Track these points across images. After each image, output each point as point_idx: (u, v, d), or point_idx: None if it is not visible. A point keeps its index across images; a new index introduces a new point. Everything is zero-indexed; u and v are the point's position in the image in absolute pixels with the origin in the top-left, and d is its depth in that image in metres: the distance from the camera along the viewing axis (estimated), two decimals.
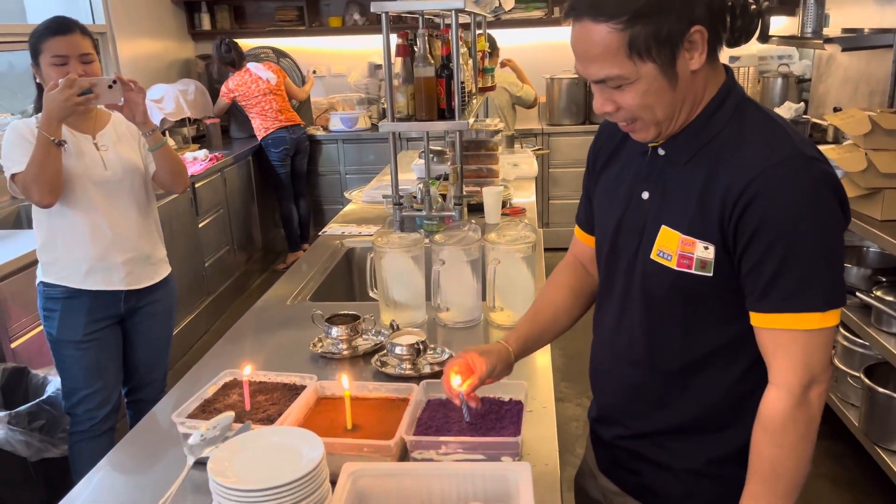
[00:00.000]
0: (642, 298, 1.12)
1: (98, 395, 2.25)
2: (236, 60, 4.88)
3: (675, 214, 1.05)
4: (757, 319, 1.02)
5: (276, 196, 5.20)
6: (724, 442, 1.12)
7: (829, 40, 3.57)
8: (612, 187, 1.18)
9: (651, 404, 1.16)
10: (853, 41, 3.49)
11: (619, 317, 1.17)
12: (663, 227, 1.06)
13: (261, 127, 4.96)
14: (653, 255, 1.08)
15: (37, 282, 2.23)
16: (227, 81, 4.91)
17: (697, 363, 1.10)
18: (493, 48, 4.73)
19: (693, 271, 1.04)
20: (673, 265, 1.05)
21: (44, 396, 2.29)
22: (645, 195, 1.11)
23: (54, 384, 2.35)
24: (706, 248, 1.02)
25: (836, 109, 3.62)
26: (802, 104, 3.74)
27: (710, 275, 1.03)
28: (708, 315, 1.07)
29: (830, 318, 0.99)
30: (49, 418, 2.25)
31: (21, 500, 2.26)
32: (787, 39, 4.10)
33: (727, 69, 1.09)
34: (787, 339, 0.99)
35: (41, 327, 2.28)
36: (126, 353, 2.36)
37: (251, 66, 4.91)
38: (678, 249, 1.04)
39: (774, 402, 1.01)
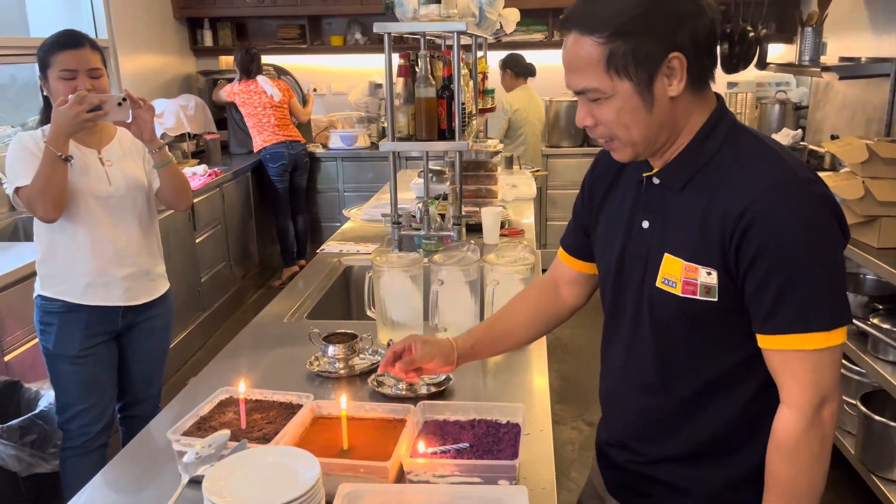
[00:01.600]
0: (651, 325, 1.13)
1: (92, 411, 2.23)
2: (252, 71, 4.93)
3: (677, 242, 1.07)
4: (764, 341, 1.03)
5: (272, 210, 5.20)
6: (739, 463, 1.12)
7: (826, 68, 3.60)
8: (613, 218, 1.19)
9: (665, 429, 1.16)
10: (850, 70, 3.53)
11: (630, 344, 1.18)
12: (666, 254, 1.08)
13: (258, 140, 4.99)
14: (658, 283, 1.09)
15: (34, 295, 2.22)
16: (233, 84, 4.98)
17: (709, 386, 1.10)
18: (531, 70, 4.80)
19: (698, 297, 1.05)
20: (678, 292, 1.06)
21: (36, 411, 2.27)
22: (645, 224, 1.12)
23: (47, 398, 2.33)
24: (709, 273, 1.03)
25: (833, 137, 3.65)
26: (800, 131, 3.76)
27: (716, 300, 1.04)
28: (717, 338, 1.08)
29: (836, 337, 1.00)
30: (41, 433, 2.22)
31: None
32: (784, 67, 4.14)
33: (719, 98, 1.11)
34: (795, 360, 1.00)
35: (35, 341, 2.27)
36: (122, 369, 2.34)
37: (259, 78, 4.95)
38: (682, 276, 1.06)
39: (787, 423, 1.02)
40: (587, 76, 1.02)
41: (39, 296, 2.20)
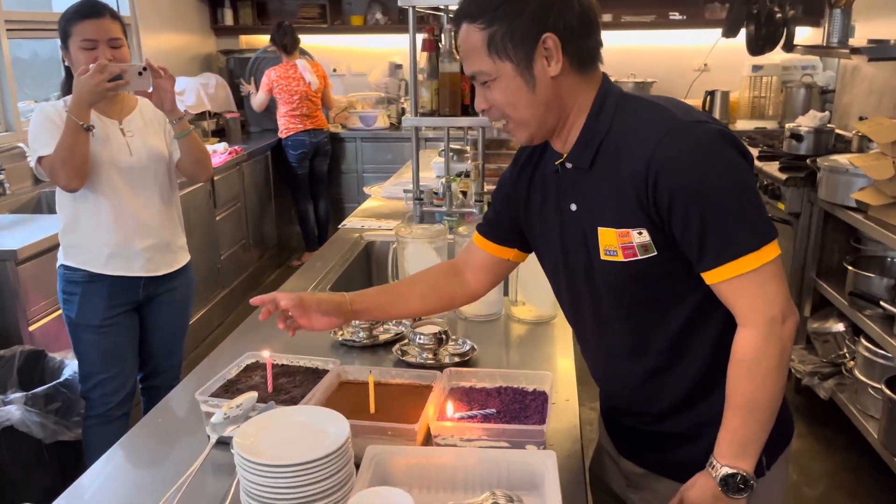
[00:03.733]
0: (609, 296, 1.17)
1: (114, 381, 2.25)
2: (288, 46, 4.81)
3: (604, 214, 1.12)
4: (707, 278, 1.07)
5: (292, 195, 5.19)
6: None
7: (855, 50, 3.53)
8: (543, 209, 1.24)
9: (655, 386, 1.19)
10: (880, 51, 3.45)
11: (596, 320, 1.21)
12: (599, 228, 1.13)
13: (284, 126, 4.94)
14: (602, 257, 1.13)
15: (57, 265, 2.24)
16: (269, 72, 4.85)
17: (683, 332, 1.14)
18: None
19: (640, 257, 1.10)
20: (621, 258, 1.11)
21: (60, 379, 2.29)
22: (573, 207, 1.17)
23: (71, 367, 2.35)
24: (640, 233, 1.09)
25: (861, 118, 3.59)
26: (827, 113, 3.70)
27: (656, 253, 1.09)
28: (673, 286, 1.12)
29: (767, 253, 1.04)
30: (65, 401, 2.25)
31: (33, 481, 2.26)
32: (812, 49, 4.07)
33: (604, 75, 1.16)
34: (737, 285, 1.05)
35: (59, 311, 2.29)
36: (143, 340, 2.35)
37: (299, 63, 4.85)
38: (619, 243, 1.11)
39: (744, 340, 1.07)
40: (475, 61, 1.11)
41: (62, 265, 2.21)
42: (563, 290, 1.26)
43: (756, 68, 4.88)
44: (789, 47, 4.13)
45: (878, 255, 2.92)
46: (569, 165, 1.16)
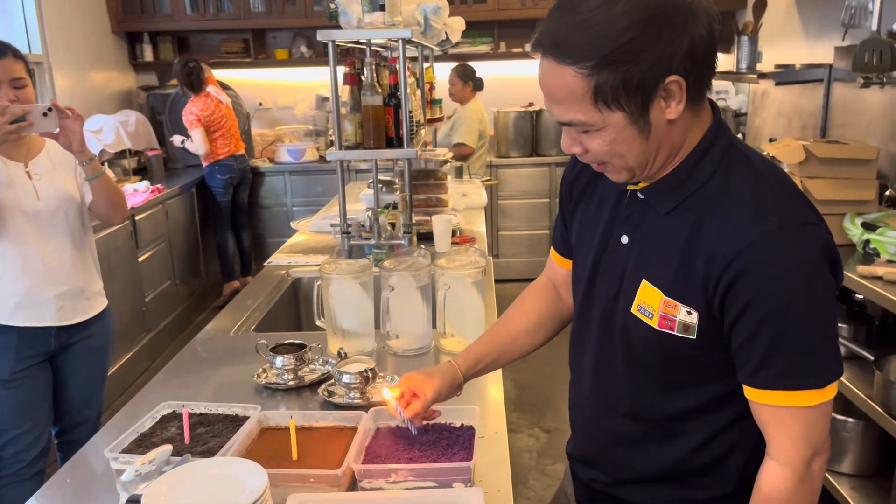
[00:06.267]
0: (622, 348, 1.07)
1: (27, 437, 2.12)
2: (195, 84, 4.64)
3: (657, 270, 1.00)
4: (751, 394, 0.97)
5: (213, 224, 5.02)
6: (702, 489, 1.09)
7: (762, 75, 3.71)
8: (589, 222, 1.12)
9: (631, 452, 1.12)
10: (785, 76, 3.64)
11: (599, 362, 1.12)
12: (644, 281, 1.01)
13: (211, 152, 4.75)
14: (633, 310, 1.02)
15: None
16: (191, 107, 4.63)
17: (681, 415, 1.06)
18: (481, 84, 4.83)
19: (676, 333, 0.99)
20: (654, 324, 1.00)
21: None
22: (624, 239, 1.05)
23: None
24: (689, 312, 0.97)
25: (771, 140, 3.75)
26: (740, 135, 3.86)
27: (694, 337, 0.98)
28: (692, 371, 1.03)
29: (829, 392, 0.95)
30: None
31: None
32: (723, 74, 4.25)
33: (714, 109, 1.01)
34: (784, 415, 0.95)
35: None
36: (57, 392, 2.23)
37: (211, 89, 4.74)
38: (660, 310, 0.99)
39: (777, 480, 0.97)
40: (572, 109, 0.92)
41: None
42: (577, 302, 1.16)
43: None
44: None
45: None
46: (641, 196, 1.02)
